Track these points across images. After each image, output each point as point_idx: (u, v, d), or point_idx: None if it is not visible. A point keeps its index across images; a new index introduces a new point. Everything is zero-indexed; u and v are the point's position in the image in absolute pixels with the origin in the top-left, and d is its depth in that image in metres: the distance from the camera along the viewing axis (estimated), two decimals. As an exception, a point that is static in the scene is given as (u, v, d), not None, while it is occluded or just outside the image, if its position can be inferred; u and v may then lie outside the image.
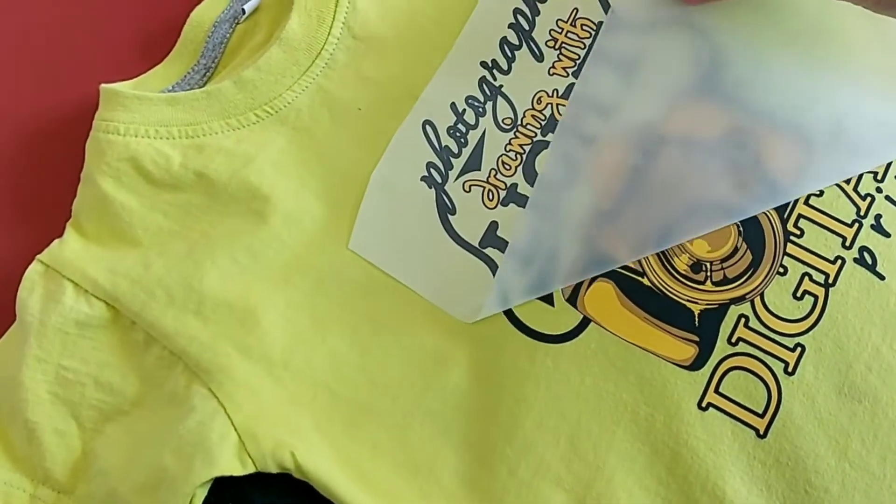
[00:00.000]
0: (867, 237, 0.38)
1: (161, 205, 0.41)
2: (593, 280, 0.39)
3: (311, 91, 0.42)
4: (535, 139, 0.41)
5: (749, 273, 0.38)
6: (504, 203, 0.40)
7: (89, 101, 0.43)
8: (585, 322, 0.38)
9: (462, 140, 0.41)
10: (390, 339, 0.39)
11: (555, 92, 0.41)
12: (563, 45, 0.42)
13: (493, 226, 0.40)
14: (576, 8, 0.42)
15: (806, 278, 0.38)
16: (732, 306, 0.38)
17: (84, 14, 0.49)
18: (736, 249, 0.38)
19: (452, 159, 0.41)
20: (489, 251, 0.40)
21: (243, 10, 0.45)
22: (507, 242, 0.40)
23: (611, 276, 0.39)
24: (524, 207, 0.40)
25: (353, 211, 0.41)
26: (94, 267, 0.40)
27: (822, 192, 0.39)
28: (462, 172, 0.41)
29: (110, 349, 0.40)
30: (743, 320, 0.37)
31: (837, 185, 0.39)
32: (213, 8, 0.46)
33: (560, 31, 0.42)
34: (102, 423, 0.39)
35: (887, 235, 0.38)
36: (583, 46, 0.42)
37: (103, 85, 0.43)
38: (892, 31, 0.40)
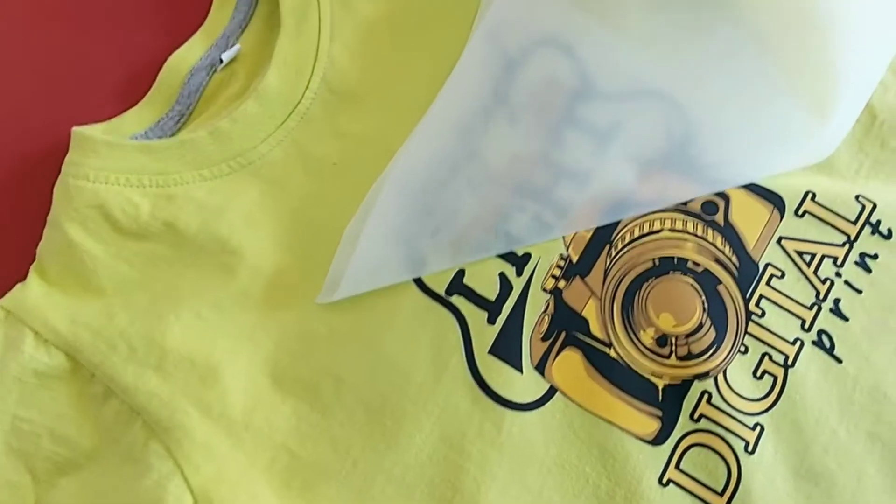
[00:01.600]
0: (826, 320, 0.39)
1: (127, 254, 0.41)
2: (561, 349, 0.39)
3: (286, 144, 0.42)
4: (508, 202, 0.41)
5: (713, 350, 0.38)
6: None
7: (60, 144, 0.43)
8: (552, 391, 0.39)
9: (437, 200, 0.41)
10: (353, 400, 0.39)
11: (529, 155, 0.41)
12: (539, 109, 0.42)
13: (460, 273, 0.40)
14: (552, 73, 0.42)
15: (766, 358, 0.39)
16: (696, 382, 0.38)
17: (59, 55, 0.48)
18: (701, 325, 0.39)
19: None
20: (455, 299, 0.39)
21: (221, 59, 0.45)
22: (473, 290, 0.39)
23: (578, 345, 0.39)
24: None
25: (324, 266, 0.40)
26: (56, 315, 0.39)
27: (783, 274, 0.40)
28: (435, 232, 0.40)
29: (68, 401, 0.39)
30: (706, 396, 0.38)
31: (797, 268, 0.40)
32: (190, 55, 0.46)
33: (536, 95, 0.42)
34: (57, 476, 0.38)
35: (845, 319, 0.40)
36: (558, 112, 0.41)
37: (75, 128, 0.42)
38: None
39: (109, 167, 0.41)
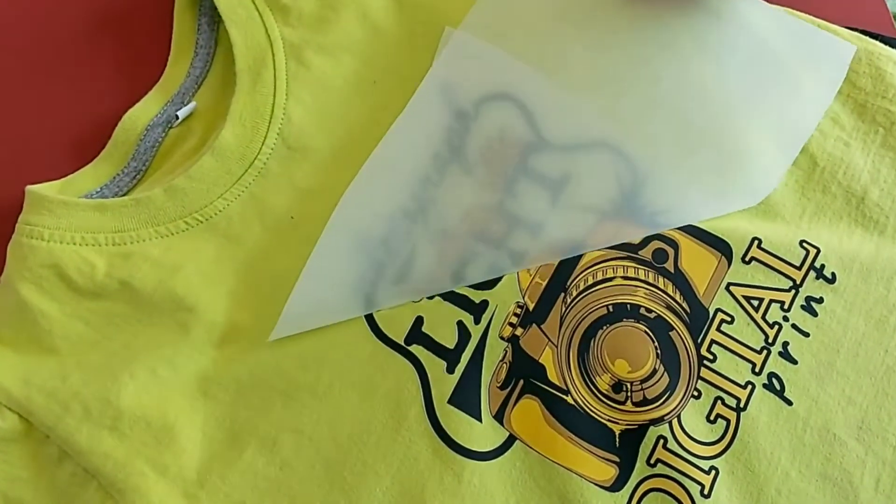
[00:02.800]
0: (775, 364, 0.41)
1: (83, 313, 0.40)
2: (520, 397, 0.39)
3: (242, 199, 0.43)
4: (465, 249, 0.41)
5: (667, 395, 0.39)
6: (429, 297, 0.41)
7: (14, 203, 0.42)
8: (511, 440, 0.39)
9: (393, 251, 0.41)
10: (311, 452, 0.39)
11: (485, 205, 0.42)
12: (493, 161, 0.43)
13: (419, 321, 0.40)
14: (504, 126, 0.43)
15: (719, 402, 0.40)
16: (651, 427, 0.39)
17: (13, 113, 0.48)
18: (655, 371, 0.39)
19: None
20: (414, 348, 0.40)
21: (177, 115, 0.45)
22: (432, 339, 0.40)
23: (536, 393, 0.39)
24: (450, 302, 0.40)
25: (278, 311, 0.40)
26: (9, 377, 0.38)
27: (733, 319, 0.41)
28: (392, 283, 0.41)
29: (22, 463, 0.38)
30: (661, 441, 0.39)
31: (746, 313, 0.41)
32: (145, 111, 0.46)
33: (490, 147, 0.43)
34: (11, 539, 0.38)
35: (794, 362, 0.41)
36: (511, 163, 0.43)
37: (29, 187, 0.42)
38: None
39: (64, 226, 0.41)
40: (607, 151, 0.42)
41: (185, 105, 0.46)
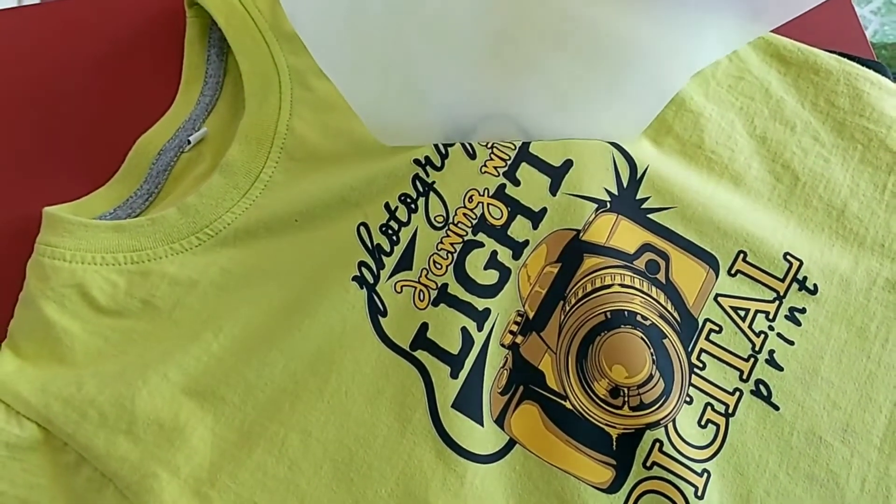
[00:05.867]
0: (762, 371, 0.42)
1: (104, 330, 0.42)
2: (519, 403, 0.41)
3: (250, 211, 0.44)
4: (465, 238, 0.43)
5: (662, 400, 0.41)
6: (434, 303, 0.42)
7: (30, 223, 0.44)
8: (511, 443, 0.41)
9: (394, 238, 0.43)
10: (319, 453, 0.40)
11: (486, 191, 0.44)
12: (495, 145, 0.44)
13: (424, 327, 0.42)
14: (501, 135, 0.45)
15: (709, 408, 0.42)
16: (648, 431, 0.40)
17: (28, 136, 0.50)
18: (651, 376, 0.41)
19: (384, 258, 0.43)
20: (419, 354, 0.41)
21: (189, 140, 0.48)
22: (437, 344, 0.41)
23: (535, 398, 0.41)
24: (454, 308, 0.42)
25: (290, 317, 0.42)
26: (28, 388, 0.40)
27: (721, 329, 0.43)
28: (394, 272, 0.43)
29: (41, 471, 0.39)
30: (658, 445, 0.40)
31: (734, 323, 0.43)
32: (158, 137, 0.48)
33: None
34: (29, 545, 0.39)
35: (780, 369, 0.42)
36: (513, 148, 0.44)
37: (46, 208, 0.44)
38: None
39: (85, 247, 0.43)
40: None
41: (197, 131, 0.48)
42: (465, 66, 0.42)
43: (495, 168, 0.44)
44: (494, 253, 0.43)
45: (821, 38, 0.50)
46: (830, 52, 0.49)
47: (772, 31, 0.49)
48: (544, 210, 0.43)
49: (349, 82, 0.42)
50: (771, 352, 0.43)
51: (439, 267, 0.42)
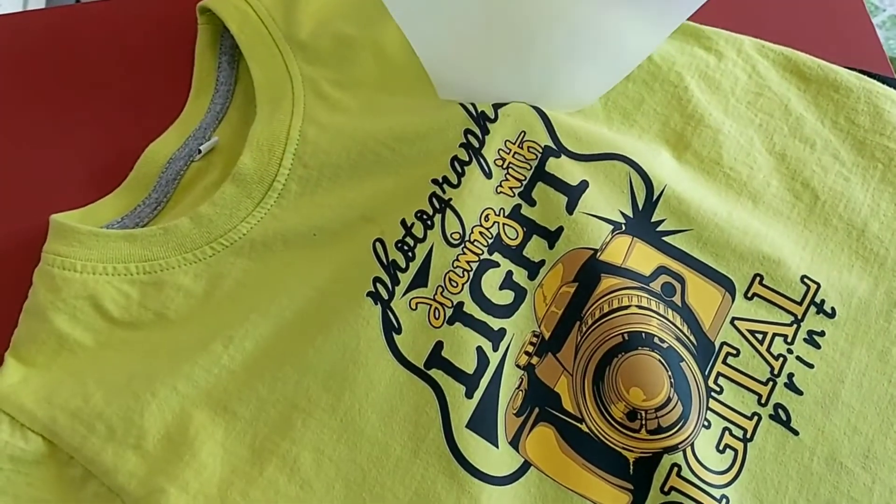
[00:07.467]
0: (781, 395, 0.42)
1: (115, 342, 0.41)
2: (535, 424, 0.40)
3: (265, 221, 0.44)
4: (481, 257, 0.42)
5: (681, 423, 0.40)
6: (450, 322, 0.41)
7: (36, 231, 0.43)
8: (526, 466, 0.40)
9: (410, 254, 0.42)
10: (331, 472, 0.39)
11: (501, 211, 0.43)
12: (511, 165, 0.44)
13: (439, 346, 0.41)
14: (523, 131, 0.45)
15: (726, 433, 0.41)
16: (666, 455, 0.40)
17: (34, 143, 0.49)
18: (669, 399, 0.40)
19: (399, 274, 0.42)
20: (433, 372, 0.40)
21: (199, 149, 0.47)
22: (452, 363, 0.40)
23: (551, 421, 0.40)
24: (469, 327, 0.41)
25: (300, 329, 0.41)
26: (33, 399, 0.39)
27: (738, 352, 0.42)
28: (409, 289, 0.42)
29: (46, 486, 0.39)
30: (675, 469, 0.39)
31: (752, 346, 0.42)
32: (167, 145, 0.47)
33: (508, 151, 0.44)
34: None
35: (800, 393, 0.42)
36: (529, 168, 0.44)
37: (53, 216, 0.43)
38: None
39: (96, 258, 0.42)
40: (625, 164, 0.45)
41: (207, 139, 0.47)
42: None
43: (511, 189, 0.44)
44: (510, 273, 0.42)
45: (842, 56, 0.50)
46: (850, 69, 0.49)
47: (791, 48, 0.49)
48: (560, 229, 0.43)
49: (420, 30, 0.42)
50: (790, 375, 0.42)
51: (455, 285, 0.42)
